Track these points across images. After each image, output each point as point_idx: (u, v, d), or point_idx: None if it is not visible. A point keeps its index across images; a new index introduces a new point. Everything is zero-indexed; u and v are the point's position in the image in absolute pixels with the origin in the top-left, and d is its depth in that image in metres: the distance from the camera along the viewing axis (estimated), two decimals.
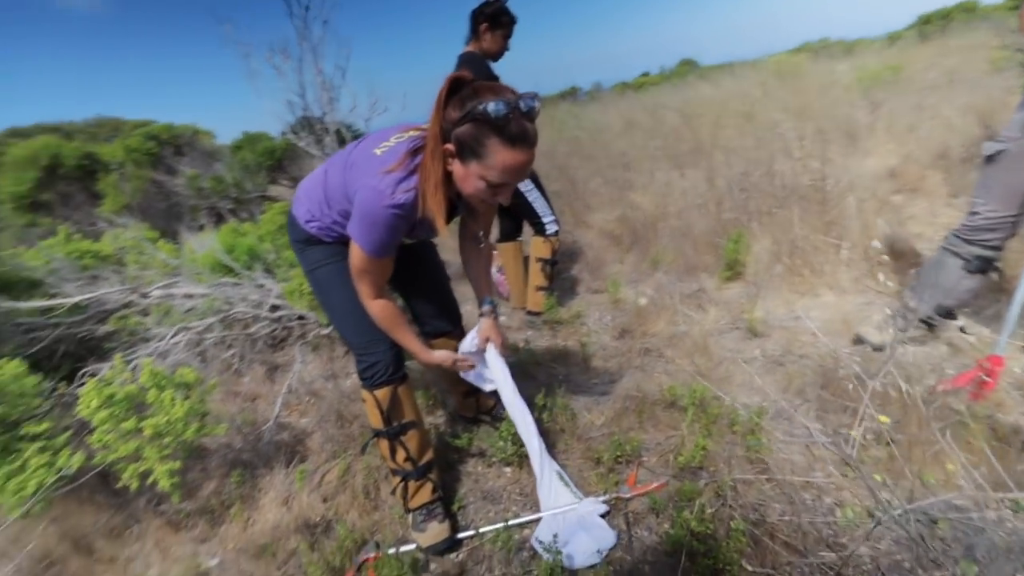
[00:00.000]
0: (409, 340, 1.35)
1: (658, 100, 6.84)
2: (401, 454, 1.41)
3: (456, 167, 1.11)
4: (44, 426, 1.39)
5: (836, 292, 2.26)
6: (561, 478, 1.46)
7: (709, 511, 1.23)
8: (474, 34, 2.31)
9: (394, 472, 1.44)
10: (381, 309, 1.29)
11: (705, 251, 2.81)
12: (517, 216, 2.70)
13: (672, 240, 3.01)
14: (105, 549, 1.51)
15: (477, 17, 2.27)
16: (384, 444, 1.42)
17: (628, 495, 1.39)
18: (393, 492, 1.45)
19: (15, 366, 1.45)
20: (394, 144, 1.18)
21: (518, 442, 1.62)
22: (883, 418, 1.07)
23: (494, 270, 3.11)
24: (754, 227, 2.63)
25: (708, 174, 3.36)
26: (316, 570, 1.31)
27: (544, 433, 1.55)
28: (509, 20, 2.25)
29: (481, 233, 1.49)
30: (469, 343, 1.48)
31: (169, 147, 5.86)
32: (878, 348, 1.82)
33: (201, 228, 5.00)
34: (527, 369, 2.16)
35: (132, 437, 1.42)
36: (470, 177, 1.09)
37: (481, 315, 1.46)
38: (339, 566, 1.35)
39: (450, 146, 1.08)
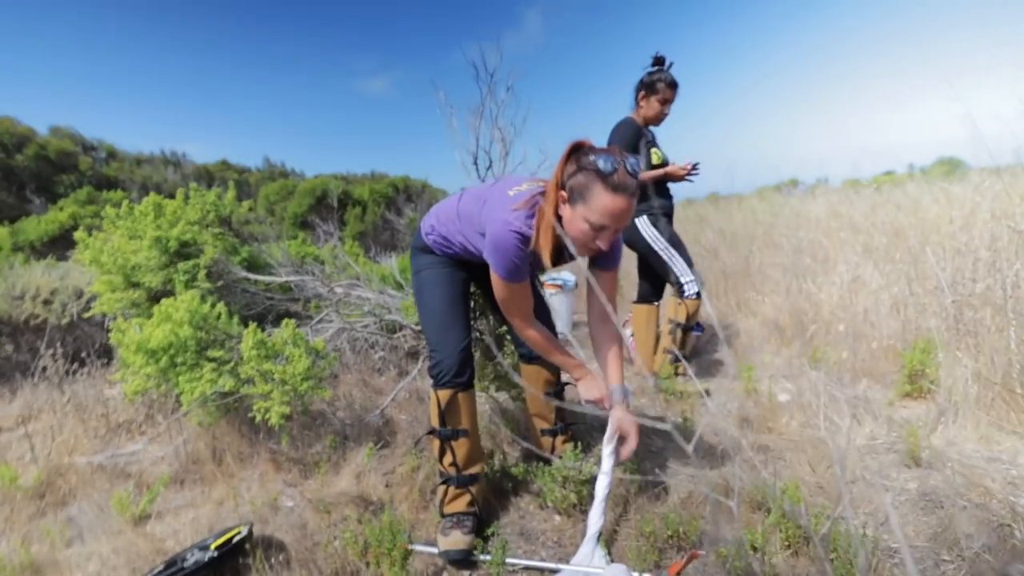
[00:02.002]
0: (565, 362, 1.48)
1: (888, 197, 5.90)
2: (448, 458, 1.47)
3: (565, 211, 1.29)
4: (220, 353, 1.85)
5: None
6: (601, 538, 1.33)
7: None
8: (635, 102, 2.44)
9: (440, 475, 1.51)
10: (535, 337, 1.46)
11: (884, 358, 2.29)
12: (657, 279, 2.63)
13: (846, 340, 2.53)
14: (231, 465, 1.87)
15: (637, 86, 2.41)
16: (436, 444, 1.50)
17: None
18: (433, 492, 1.50)
19: (221, 308, 1.97)
20: (525, 189, 1.38)
21: (571, 491, 1.54)
22: None
23: (627, 333, 3.02)
24: (959, 339, 2.06)
25: (914, 273, 2.76)
26: (351, 538, 1.42)
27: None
28: (664, 86, 2.32)
29: (609, 312, 1.52)
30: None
31: (403, 194, 7.27)
32: None
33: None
34: None
35: (268, 381, 1.79)
36: (576, 219, 1.27)
37: (612, 406, 1.46)
38: (370, 543, 1.43)
39: (563, 192, 1.28)
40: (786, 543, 1.23)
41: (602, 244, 1.28)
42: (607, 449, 1.43)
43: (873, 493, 1.48)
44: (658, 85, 2.31)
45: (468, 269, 1.59)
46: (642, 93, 2.35)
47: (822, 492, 1.52)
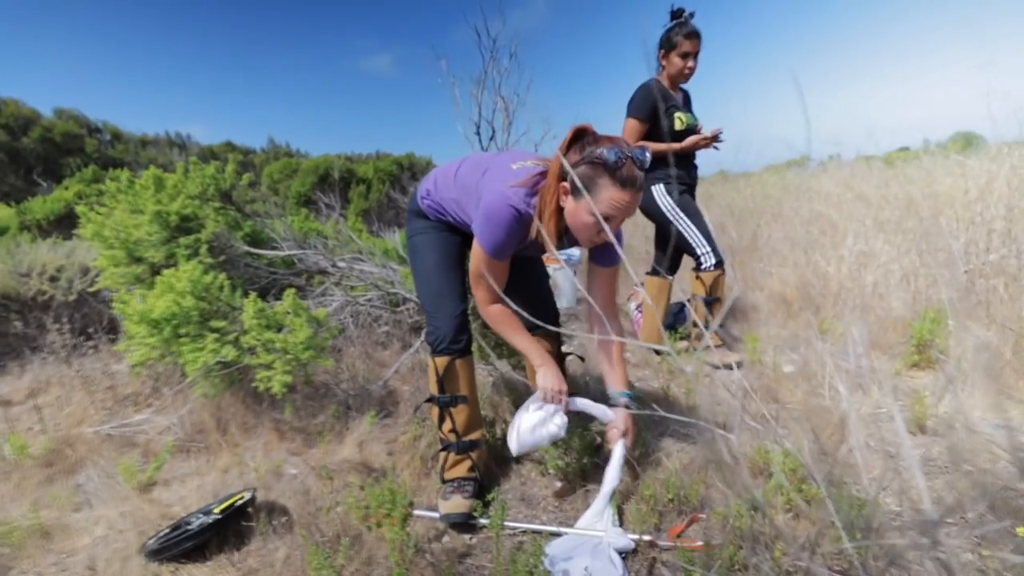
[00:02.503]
0: (526, 347, 1.43)
1: (900, 171, 5.77)
2: (447, 424, 1.47)
3: (568, 203, 1.26)
4: (222, 324, 1.85)
5: None
6: (613, 499, 1.34)
7: None
8: (658, 63, 2.34)
9: (440, 441, 1.51)
10: (496, 313, 1.42)
11: (892, 329, 2.26)
12: (672, 251, 2.57)
13: (854, 313, 2.50)
14: (235, 435, 1.89)
15: (657, 46, 2.30)
16: (435, 411, 1.50)
17: (664, 543, 1.20)
18: (435, 460, 1.51)
19: (223, 279, 1.97)
20: (530, 166, 1.34)
21: (572, 458, 1.54)
22: None
23: (632, 307, 2.99)
24: (970, 309, 2.03)
25: (925, 245, 2.71)
26: (353, 502, 1.44)
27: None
28: (682, 38, 2.20)
29: (608, 314, 1.48)
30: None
31: (407, 172, 7.22)
32: None
33: None
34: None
35: (270, 350, 1.79)
36: (580, 211, 1.24)
37: (613, 406, 1.46)
38: (371, 507, 1.45)
39: (566, 184, 1.24)
40: (787, 506, 1.22)
41: (605, 235, 1.26)
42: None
43: (877, 461, 1.46)
44: (675, 39, 2.19)
45: (462, 233, 1.56)
46: (662, 52, 2.24)
47: (825, 456, 1.51)
